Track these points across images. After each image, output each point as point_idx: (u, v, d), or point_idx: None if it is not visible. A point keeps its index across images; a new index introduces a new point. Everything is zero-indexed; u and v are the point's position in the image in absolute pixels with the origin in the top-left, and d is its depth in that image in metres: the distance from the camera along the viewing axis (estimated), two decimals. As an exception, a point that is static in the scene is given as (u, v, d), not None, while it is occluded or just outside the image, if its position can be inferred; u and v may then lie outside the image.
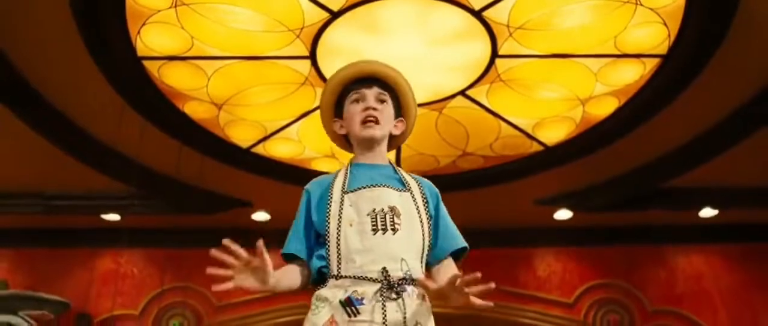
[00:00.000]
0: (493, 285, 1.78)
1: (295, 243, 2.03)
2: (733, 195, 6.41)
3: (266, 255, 1.83)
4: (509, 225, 7.03)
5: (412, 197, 2.04)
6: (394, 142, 2.30)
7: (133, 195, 6.24)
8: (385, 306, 1.83)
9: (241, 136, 5.57)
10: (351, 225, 1.93)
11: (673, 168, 6.00)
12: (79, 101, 5.05)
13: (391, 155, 2.47)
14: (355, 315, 1.81)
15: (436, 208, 2.11)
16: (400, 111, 2.22)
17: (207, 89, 4.92)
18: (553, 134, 5.57)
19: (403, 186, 2.07)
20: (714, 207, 6.60)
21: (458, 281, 1.75)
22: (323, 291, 1.89)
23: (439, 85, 4.93)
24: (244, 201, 6.61)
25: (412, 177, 2.16)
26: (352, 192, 1.99)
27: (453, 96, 5.05)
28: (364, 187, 2.00)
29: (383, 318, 1.82)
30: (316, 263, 1.96)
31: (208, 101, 5.08)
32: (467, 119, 5.35)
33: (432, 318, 1.95)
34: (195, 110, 5.20)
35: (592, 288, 7.01)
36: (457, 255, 2.09)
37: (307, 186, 2.12)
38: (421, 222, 2.00)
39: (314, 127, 5.40)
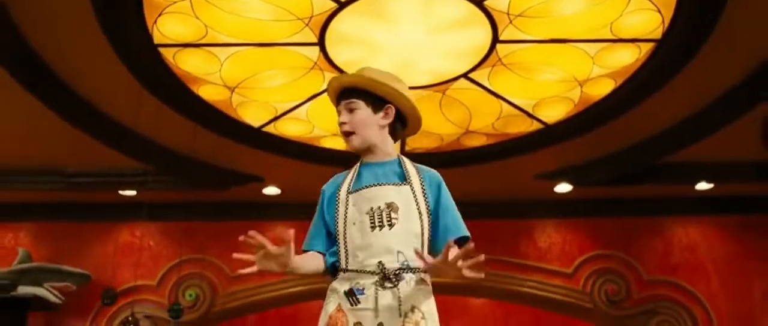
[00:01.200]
0: (483, 257, 1.92)
1: (314, 239, 2.28)
2: (727, 169, 6.63)
3: (292, 246, 2.02)
4: (511, 198, 7.29)
5: (412, 189, 2.22)
6: (406, 129, 2.43)
7: (150, 172, 6.50)
8: (378, 294, 2.08)
9: (253, 116, 5.81)
10: (354, 224, 2.18)
11: (668, 145, 6.22)
12: (99, 86, 5.30)
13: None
14: (356, 304, 2.07)
15: (437, 198, 2.27)
16: (385, 101, 2.33)
17: (220, 73, 5.15)
18: (553, 113, 5.79)
19: (404, 179, 2.25)
20: (709, 181, 6.83)
21: (450, 255, 1.93)
22: (334, 284, 2.17)
23: (442, 68, 5.14)
24: (255, 177, 6.86)
25: (416, 168, 2.32)
26: (354, 192, 2.23)
27: (456, 78, 5.26)
28: (364, 188, 2.23)
29: (375, 304, 2.07)
30: (330, 259, 2.21)
31: (221, 84, 5.31)
32: (470, 100, 5.57)
33: (431, 299, 2.17)
34: (209, 93, 5.43)
35: (590, 259, 7.28)
36: (459, 243, 2.21)
37: (323, 187, 2.35)
38: (419, 214, 2.20)
39: (323, 108, 5.65)
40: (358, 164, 2.35)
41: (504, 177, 6.82)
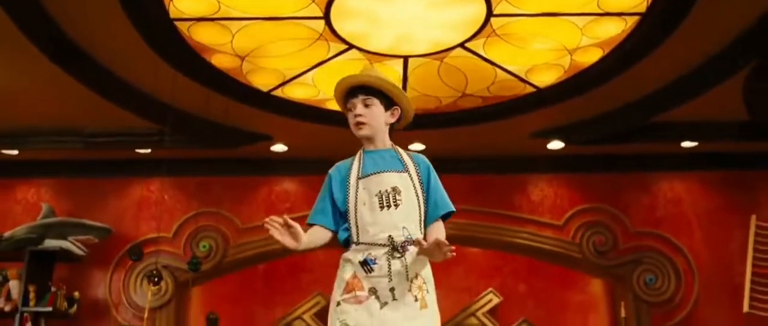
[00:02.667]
0: (454, 252, 2.41)
1: (319, 215, 2.71)
2: (711, 129, 7.00)
3: (298, 226, 2.51)
4: (506, 155, 7.67)
5: (410, 176, 2.70)
6: (399, 124, 2.89)
7: (164, 133, 6.88)
8: (390, 262, 2.52)
9: (262, 81, 6.16)
10: (364, 204, 2.61)
11: (655, 106, 6.56)
12: (117, 55, 5.65)
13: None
14: (371, 272, 2.51)
15: (428, 180, 2.75)
16: (392, 102, 2.80)
17: (232, 44, 5.49)
18: (544, 78, 6.13)
19: (403, 167, 2.71)
20: (693, 140, 7.20)
21: (437, 246, 2.43)
22: (347, 254, 2.60)
23: (440, 39, 5.46)
24: (264, 136, 7.23)
25: (409, 156, 2.79)
26: (364, 178, 2.66)
27: (453, 48, 5.59)
28: (373, 174, 2.66)
29: (388, 271, 2.51)
30: (343, 234, 2.64)
31: (233, 54, 5.65)
32: (466, 67, 5.90)
33: (428, 266, 2.65)
34: (221, 61, 5.78)
35: (580, 212, 7.69)
36: (444, 216, 2.76)
37: (331, 171, 2.77)
38: (417, 195, 2.68)
39: (327, 74, 6.01)
40: (361, 152, 2.76)
41: (499, 136, 7.17)
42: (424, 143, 7.22)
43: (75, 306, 6.97)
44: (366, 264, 2.53)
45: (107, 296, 7.44)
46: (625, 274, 7.45)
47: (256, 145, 7.32)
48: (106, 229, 7.22)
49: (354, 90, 2.77)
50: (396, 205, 2.61)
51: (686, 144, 7.32)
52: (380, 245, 2.55)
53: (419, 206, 2.67)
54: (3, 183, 7.78)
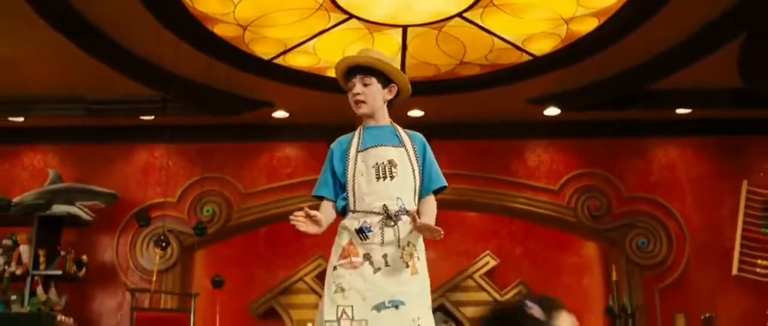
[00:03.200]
0: (442, 235, 2.63)
1: (322, 187, 2.87)
2: (705, 96, 7.13)
3: (318, 214, 2.70)
4: (503, 121, 7.79)
5: (406, 151, 2.85)
6: (397, 99, 3.02)
7: (168, 100, 7.01)
8: (384, 230, 2.69)
9: (264, 50, 6.27)
10: (362, 175, 2.77)
11: (650, 74, 6.68)
12: (121, 26, 5.77)
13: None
14: (365, 239, 2.67)
15: (423, 156, 2.90)
16: (389, 80, 2.91)
17: (234, 14, 5.59)
18: (541, 47, 6.24)
19: (400, 142, 2.87)
20: (687, 107, 7.33)
21: (427, 229, 2.66)
22: (345, 222, 2.77)
23: (439, 9, 5.56)
24: (266, 102, 7.36)
25: (406, 133, 2.94)
26: (363, 151, 2.81)
27: (451, 17, 5.69)
28: (371, 147, 2.81)
29: (382, 239, 2.68)
30: (341, 202, 2.80)
31: (235, 23, 5.75)
32: (464, 36, 6.01)
33: (421, 237, 2.80)
34: (223, 30, 5.89)
35: (575, 177, 7.85)
36: (437, 191, 2.91)
37: (332, 146, 2.92)
38: (412, 169, 2.83)
39: (328, 43, 6.11)
40: (361, 128, 2.91)
41: (496, 103, 7.28)
42: (422, 109, 7.34)
43: (83, 270, 7.16)
44: (361, 232, 2.69)
45: (114, 259, 7.64)
46: (619, 238, 7.65)
47: (258, 111, 7.45)
48: (112, 195, 7.38)
49: (353, 70, 2.89)
50: (392, 177, 2.76)
51: (680, 110, 7.45)
52: (375, 213, 2.71)
53: (414, 179, 2.82)
54: (10, 150, 7.92)
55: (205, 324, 7.00)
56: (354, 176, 2.78)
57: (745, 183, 7.52)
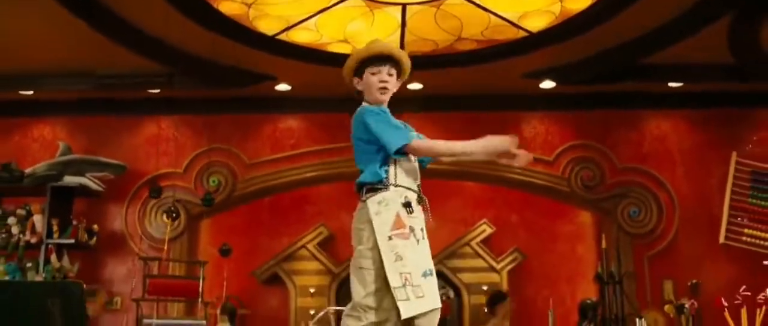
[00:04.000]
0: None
1: (407, 133, 3.06)
2: (696, 70, 7.33)
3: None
4: (500, 93, 7.98)
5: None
6: None
7: (174, 74, 7.21)
8: (420, 206, 3.00)
9: (268, 26, 6.46)
10: None
11: (643, 49, 6.88)
12: (129, 3, 5.93)
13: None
14: (411, 213, 2.93)
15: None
16: (400, 74, 3.19)
17: (239, -7, 5.78)
18: (536, 23, 6.43)
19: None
20: (679, 81, 7.54)
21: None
22: (387, 194, 2.93)
23: (437, -12, 5.76)
24: (269, 76, 7.56)
25: None
26: None
27: (449, -5, 5.89)
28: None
29: (422, 214, 2.99)
30: (380, 174, 2.98)
31: (240, 1, 5.94)
32: (461, 13, 6.20)
33: None
34: (229, 8, 6.08)
35: (570, 148, 8.07)
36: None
37: (384, 109, 3.09)
38: None
39: (329, 20, 6.30)
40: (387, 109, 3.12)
41: (493, 76, 7.47)
42: (421, 83, 7.55)
43: (94, 238, 7.45)
44: (408, 206, 2.94)
45: (123, 228, 7.91)
46: (611, 207, 7.91)
47: (262, 84, 7.65)
48: (121, 166, 7.63)
49: (384, 58, 3.12)
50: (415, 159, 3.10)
51: (672, 84, 7.66)
52: (412, 191, 2.99)
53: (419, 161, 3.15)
54: (20, 121, 8.15)
55: (212, 289, 7.29)
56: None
57: (734, 154, 7.75)
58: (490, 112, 8.14)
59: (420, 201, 2.99)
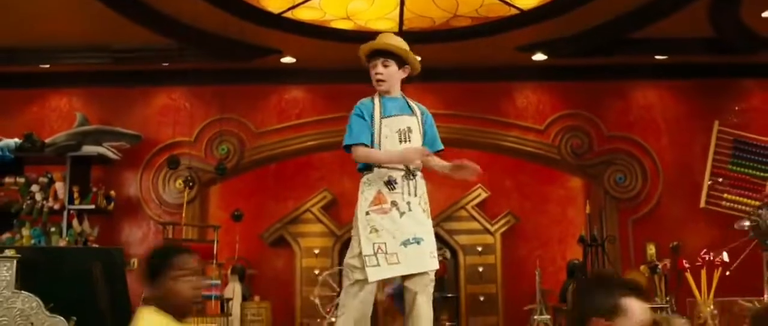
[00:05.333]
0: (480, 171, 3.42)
1: (364, 136, 3.45)
2: (681, 43, 7.72)
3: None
4: (494, 65, 8.36)
5: (417, 119, 3.57)
6: (409, 75, 3.65)
7: (185, 48, 7.60)
8: (407, 182, 3.41)
9: (275, 5, 6.84)
10: (386, 138, 3.45)
11: (630, 24, 7.26)
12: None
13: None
14: (393, 189, 3.37)
15: (426, 123, 3.60)
16: (403, 62, 3.56)
17: (247, -25, 6.15)
18: (527, 1, 6.81)
19: (411, 111, 3.56)
20: (664, 53, 7.93)
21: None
22: (370, 176, 3.42)
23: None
24: (275, 50, 7.94)
25: (415, 104, 3.63)
26: (387, 118, 3.49)
27: (445, -23, 6.26)
28: (394, 115, 3.49)
29: (405, 190, 3.40)
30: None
31: (248, -18, 6.32)
32: (457, -8, 6.58)
33: (425, 187, 3.52)
34: (237, -11, 6.46)
35: (560, 117, 8.50)
36: (436, 153, 3.62)
37: (360, 107, 3.51)
38: (421, 134, 3.55)
39: (333, -1, 6.68)
40: (378, 97, 3.54)
41: (488, 50, 7.85)
42: (419, 55, 7.89)
43: (112, 204, 7.92)
44: (390, 184, 3.37)
45: (138, 194, 8.37)
46: (598, 173, 8.36)
47: (268, 57, 8.03)
48: (136, 136, 8.06)
49: (376, 53, 3.51)
50: (409, 140, 3.47)
51: (658, 57, 8.05)
52: (399, 170, 3.40)
53: (422, 142, 3.53)
54: (38, 93, 8.54)
55: (222, 252, 7.76)
56: (380, 139, 3.45)
57: (716, 123, 8.17)
58: (485, 83, 8.55)
59: (408, 177, 3.39)
